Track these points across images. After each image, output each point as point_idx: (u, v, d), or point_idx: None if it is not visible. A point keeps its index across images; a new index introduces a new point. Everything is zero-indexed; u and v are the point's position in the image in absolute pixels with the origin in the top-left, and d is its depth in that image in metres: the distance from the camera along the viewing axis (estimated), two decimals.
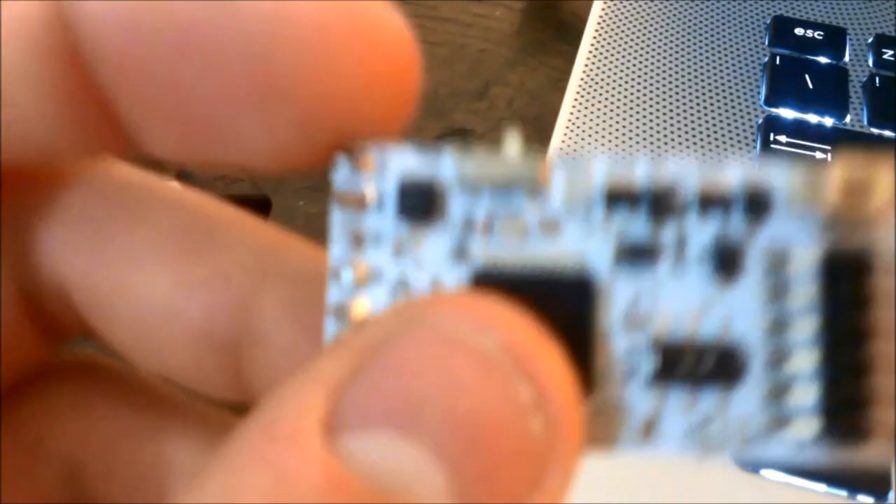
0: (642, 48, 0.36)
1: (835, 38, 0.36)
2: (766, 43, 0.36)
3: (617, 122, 0.33)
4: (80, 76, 0.12)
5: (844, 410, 0.13)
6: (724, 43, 0.36)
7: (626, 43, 0.36)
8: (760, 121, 0.33)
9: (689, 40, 0.37)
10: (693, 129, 0.33)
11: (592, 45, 0.36)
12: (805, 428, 0.13)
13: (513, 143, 0.13)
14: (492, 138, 0.42)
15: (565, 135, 0.33)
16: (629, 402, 0.13)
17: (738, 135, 0.33)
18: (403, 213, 0.13)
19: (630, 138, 0.33)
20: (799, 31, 0.37)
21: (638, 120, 0.33)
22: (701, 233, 0.13)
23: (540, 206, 0.13)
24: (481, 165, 0.13)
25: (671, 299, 0.13)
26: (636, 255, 0.13)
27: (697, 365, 0.13)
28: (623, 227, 0.13)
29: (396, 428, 0.10)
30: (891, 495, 0.28)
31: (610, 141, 0.33)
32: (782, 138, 0.32)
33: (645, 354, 0.13)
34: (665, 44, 0.36)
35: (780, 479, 0.25)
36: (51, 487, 0.15)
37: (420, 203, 0.13)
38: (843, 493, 0.25)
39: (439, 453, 0.10)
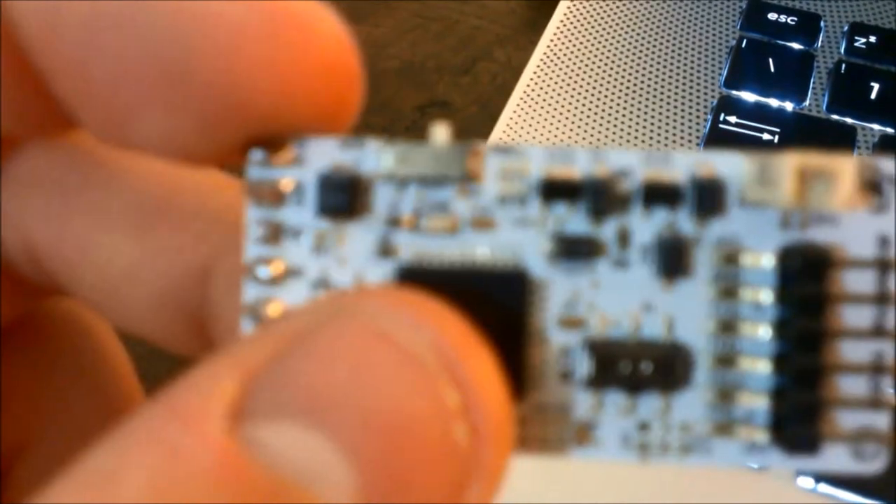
0: (612, 23, 0.36)
1: (809, 24, 0.36)
2: (738, 27, 0.36)
3: (576, 95, 0.34)
4: (15, 57, 0.12)
5: (797, 419, 0.12)
6: (696, 24, 0.36)
7: (596, 13, 0.37)
8: (715, 102, 0.33)
9: (660, 19, 0.37)
10: (649, 105, 0.33)
11: (564, 15, 0.37)
12: (753, 435, 0.12)
13: (441, 134, 0.12)
14: (469, 112, 0.42)
15: (521, 99, 0.33)
16: (564, 405, 0.12)
17: (690, 114, 0.33)
18: (324, 207, 0.12)
19: (585, 113, 0.33)
20: (772, 15, 0.36)
21: (595, 94, 0.34)
22: (645, 228, 0.12)
23: (471, 200, 0.12)
24: (408, 157, 0.12)
25: (611, 298, 0.12)
26: (574, 251, 0.12)
27: (637, 368, 0.12)
28: (561, 222, 0.12)
29: (307, 421, 0.10)
30: None
31: (566, 114, 0.33)
32: (732, 119, 0.32)
33: (582, 355, 0.12)
34: (635, 21, 0.37)
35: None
36: None
37: (342, 197, 0.12)
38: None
39: (351, 452, 0.09)
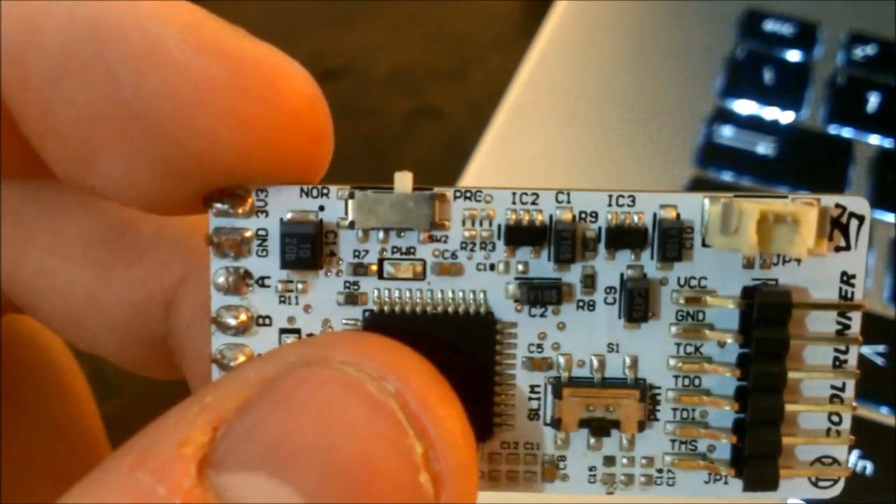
0: (605, 30, 0.36)
1: (806, 33, 0.35)
2: (734, 36, 0.35)
3: (567, 103, 0.33)
4: None
5: (758, 458, 0.12)
6: (691, 32, 0.36)
7: (589, 21, 0.36)
8: (710, 112, 0.32)
9: (655, 26, 0.36)
10: (642, 114, 0.33)
11: (556, 22, 0.36)
12: (715, 470, 0.13)
13: (404, 183, 0.12)
14: (460, 118, 0.41)
15: (512, 107, 0.32)
16: (531, 444, 0.13)
17: (684, 124, 0.32)
18: (289, 260, 0.12)
19: (577, 122, 0.32)
20: (769, 23, 0.36)
21: (587, 103, 0.33)
22: (610, 270, 0.12)
23: (437, 246, 0.12)
24: (372, 207, 0.12)
25: (577, 339, 0.13)
26: (540, 295, 0.12)
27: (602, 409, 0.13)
28: (527, 267, 0.12)
29: (273, 471, 0.10)
30: None
31: (558, 123, 0.32)
32: (727, 130, 0.31)
33: (548, 396, 0.13)
34: (629, 27, 0.36)
35: None
36: None
37: (306, 248, 0.12)
38: None
39: (314, 500, 0.10)
